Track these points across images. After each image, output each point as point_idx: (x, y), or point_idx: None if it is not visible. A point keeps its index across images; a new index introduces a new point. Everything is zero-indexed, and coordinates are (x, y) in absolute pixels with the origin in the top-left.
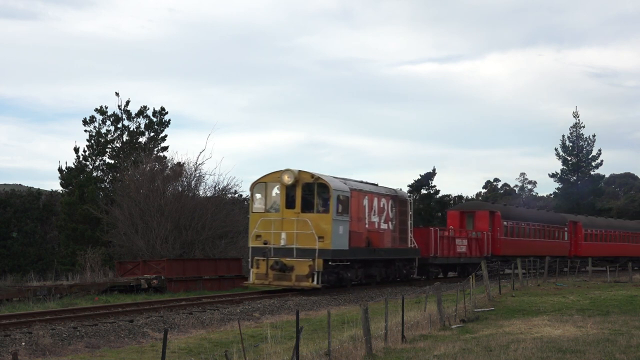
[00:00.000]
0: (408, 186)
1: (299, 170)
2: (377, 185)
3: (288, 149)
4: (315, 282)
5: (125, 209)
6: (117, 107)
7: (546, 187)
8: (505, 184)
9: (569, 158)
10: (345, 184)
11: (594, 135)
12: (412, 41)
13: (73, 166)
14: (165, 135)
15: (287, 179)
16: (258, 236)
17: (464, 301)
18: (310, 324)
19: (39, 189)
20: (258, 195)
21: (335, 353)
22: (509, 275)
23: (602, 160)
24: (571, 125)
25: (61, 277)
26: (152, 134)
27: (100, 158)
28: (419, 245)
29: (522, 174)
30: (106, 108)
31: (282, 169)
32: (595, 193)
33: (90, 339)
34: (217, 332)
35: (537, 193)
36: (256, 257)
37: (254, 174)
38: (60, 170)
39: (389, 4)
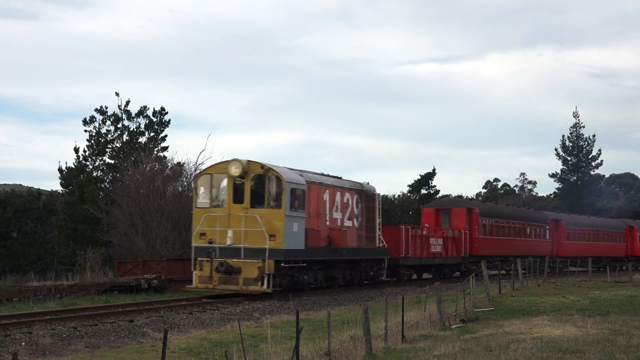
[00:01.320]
0: (408, 186)
1: (248, 161)
2: (340, 178)
3: (288, 149)
4: (265, 286)
5: (125, 209)
6: (117, 107)
7: (546, 187)
8: (505, 184)
9: (569, 158)
10: (302, 176)
11: (594, 135)
12: (412, 41)
13: (73, 166)
14: (165, 135)
15: (235, 170)
16: (202, 234)
17: (464, 301)
18: (310, 324)
19: (39, 189)
20: (202, 189)
21: (335, 353)
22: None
23: (602, 160)
24: (571, 125)
25: (61, 277)
26: (152, 134)
27: (100, 158)
28: (388, 244)
29: (522, 174)
30: (106, 108)
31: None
32: (595, 193)
33: (90, 339)
34: (217, 332)
35: (537, 193)
36: (199, 258)
37: None
38: (60, 170)
39: (389, 4)
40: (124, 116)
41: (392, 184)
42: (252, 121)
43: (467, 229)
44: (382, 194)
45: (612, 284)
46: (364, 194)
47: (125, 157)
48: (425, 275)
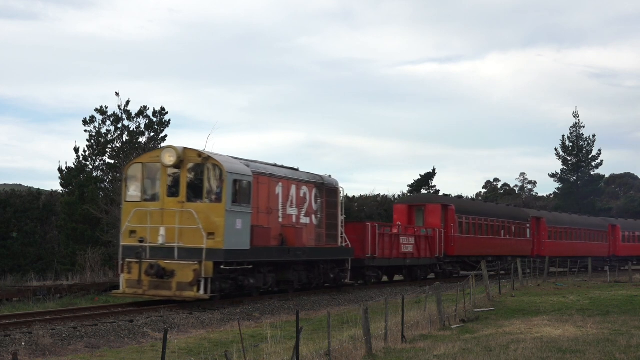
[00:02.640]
0: (408, 186)
1: (185, 148)
2: (297, 170)
3: (288, 149)
4: (201, 292)
5: None
6: (117, 107)
7: (546, 187)
8: (505, 184)
9: (569, 158)
10: (249, 166)
11: (594, 135)
12: (412, 41)
13: (73, 166)
14: (166, 136)
15: (169, 159)
16: (132, 232)
17: (463, 301)
18: (310, 324)
19: (39, 189)
20: (133, 180)
21: (335, 353)
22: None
23: (602, 160)
24: (571, 125)
25: (61, 277)
26: (152, 134)
27: (100, 158)
28: (353, 244)
29: (522, 174)
30: (106, 108)
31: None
32: (595, 193)
33: (90, 339)
34: (217, 332)
35: (537, 193)
36: (128, 259)
37: None
38: (60, 170)
39: (389, 4)
40: (124, 116)
41: (392, 184)
42: (252, 121)
43: (442, 227)
44: (382, 193)
45: (612, 284)
46: (325, 187)
47: (125, 157)
48: (398, 278)
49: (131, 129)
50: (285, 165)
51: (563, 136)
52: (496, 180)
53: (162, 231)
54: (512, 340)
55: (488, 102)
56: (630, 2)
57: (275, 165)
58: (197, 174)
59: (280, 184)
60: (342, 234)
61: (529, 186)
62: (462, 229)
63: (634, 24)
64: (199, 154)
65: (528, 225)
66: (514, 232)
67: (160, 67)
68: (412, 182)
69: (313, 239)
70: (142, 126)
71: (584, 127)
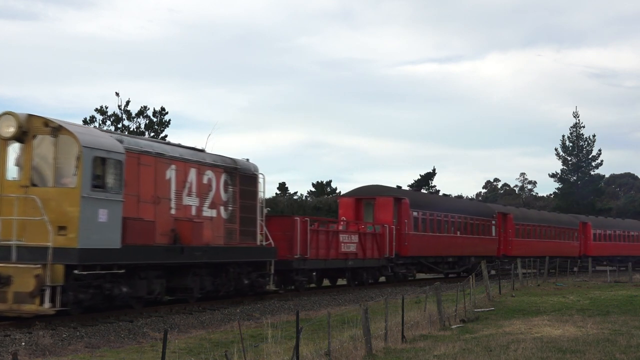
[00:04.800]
0: (408, 186)
1: (29, 115)
2: (202, 150)
3: (288, 149)
4: (46, 305)
5: None
6: (117, 107)
7: (546, 187)
8: (505, 184)
9: (569, 158)
10: (122, 142)
11: (594, 135)
12: (412, 41)
13: None
14: (166, 136)
15: (7, 130)
16: None
17: (463, 301)
18: (310, 324)
19: None
20: None
21: (335, 353)
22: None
23: (602, 160)
24: (571, 125)
25: None
26: (152, 134)
27: None
28: (278, 242)
29: (522, 174)
30: (106, 108)
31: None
32: (595, 193)
33: (90, 339)
34: (217, 332)
35: (537, 193)
36: None
37: None
38: None
39: (389, 4)
40: (124, 116)
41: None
42: (252, 121)
43: (394, 223)
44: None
45: (612, 284)
46: (239, 173)
47: None
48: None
49: (131, 129)
50: (184, 144)
51: (563, 136)
52: (496, 180)
53: None
54: (512, 340)
55: (488, 102)
56: (630, 2)
57: (169, 143)
58: (45, 150)
59: (173, 166)
60: (262, 229)
61: (529, 186)
62: (418, 226)
63: (634, 24)
64: (46, 122)
65: (494, 222)
66: (477, 229)
67: (160, 67)
68: (412, 182)
69: (221, 236)
70: (142, 126)
71: (584, 127)
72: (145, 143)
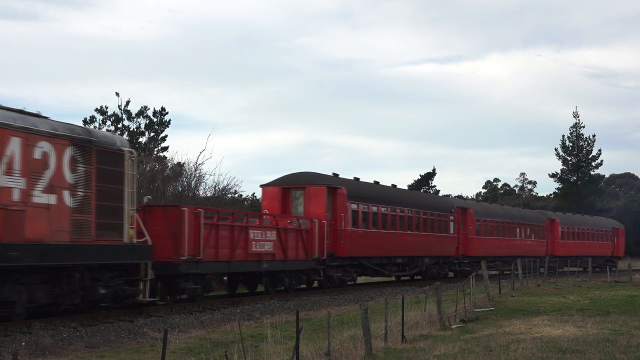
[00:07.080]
0: (408, 186)
1: None
2: (37, 115)
3: (288, 149)
4: None
5: None
6: (117, 107)
7: (546, 187)
8: (505, 184)
9: (569, 158)
10: None
11: (594, 135)
12: (412, 42)
13: None
14: (166, 136)
15: None
16: None
17: (463, 301)
18: (310, 324)
19: None
20: None
21: (335, 353)
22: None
23: (602, 160)
24: (571, 125)
25: None
26: (152, 134)
27: None
28: (161, 239)
29: (522, 174)
30: (106, 108)
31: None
32: (595, 193)
33: (90, 339)
34: (217, 332)
35: (537, 193)
36: None
37: (254, 174)
38: None
39: (389, 5)
40: (124, 116)
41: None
42: (252, 121)
43: (328, 217)
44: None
45: (612, 284)
46: (96, 147)
47: None
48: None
49: (131, 129)
50: (2, 105)
51: (563, 136)
52: (496, 180)
53: None
54: (512, 340)
55: (488, 102)
56: (630, 2)
57: None
58: None
59: None
60: (134, 223)
61: (529, 186)
62: (358, 221)
63: (634, 24)
64: None
65: (452, 218)
66: (433, 226)
67: (160, 67)
68: (412, 182)
69: (65, 231)
70: (142, 126)
71: (584, 127)
72: None
